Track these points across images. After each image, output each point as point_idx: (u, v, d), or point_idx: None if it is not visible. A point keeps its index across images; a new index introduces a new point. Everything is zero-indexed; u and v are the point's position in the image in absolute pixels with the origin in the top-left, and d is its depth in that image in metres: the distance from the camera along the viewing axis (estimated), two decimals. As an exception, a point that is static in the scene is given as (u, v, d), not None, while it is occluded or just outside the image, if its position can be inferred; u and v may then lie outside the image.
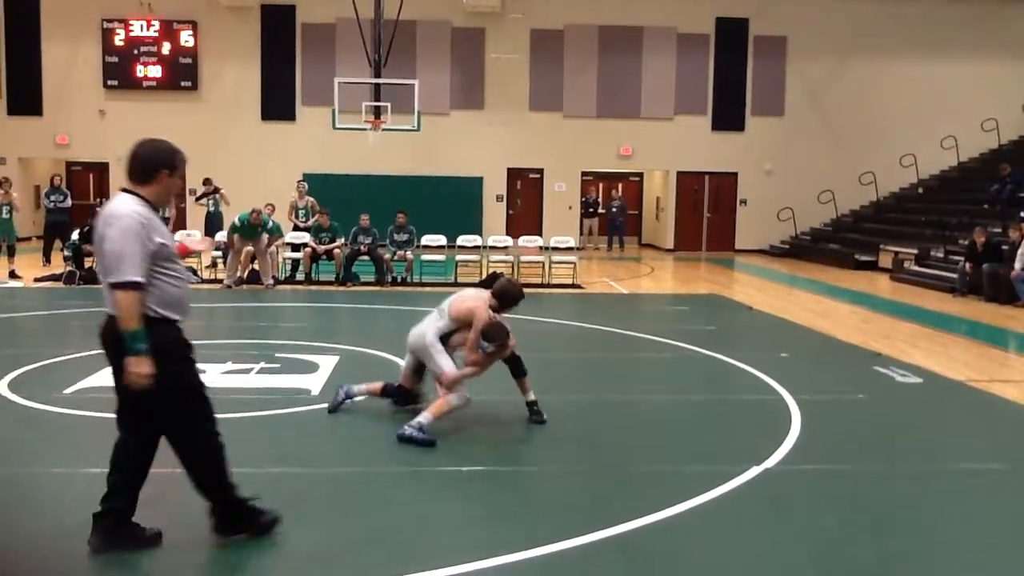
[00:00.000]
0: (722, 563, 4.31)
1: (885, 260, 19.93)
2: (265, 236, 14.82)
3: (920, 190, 24.09)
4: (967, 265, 15.39)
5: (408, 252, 15.75)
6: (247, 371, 8.09)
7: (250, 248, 14.78)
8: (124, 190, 4.00)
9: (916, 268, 18.13)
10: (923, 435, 6.76)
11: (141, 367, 3.85)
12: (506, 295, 6.37)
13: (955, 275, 15.72)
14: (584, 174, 25.76)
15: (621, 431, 6.66)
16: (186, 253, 4.68)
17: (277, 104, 24.17)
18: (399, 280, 15.61)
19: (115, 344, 3.93)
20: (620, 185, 28.51)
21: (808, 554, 4.43)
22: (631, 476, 5.56)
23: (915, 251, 18.81)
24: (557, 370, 8.74)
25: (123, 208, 3.89)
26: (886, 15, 24.40)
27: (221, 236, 15.82)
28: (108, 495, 4.15)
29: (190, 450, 4.15)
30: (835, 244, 22.79)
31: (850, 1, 24.37)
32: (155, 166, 4.00)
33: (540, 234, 21.30)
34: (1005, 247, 15.20)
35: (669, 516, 4.75)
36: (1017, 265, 14.31)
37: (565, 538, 4.39)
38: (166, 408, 4.03)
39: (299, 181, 18.63)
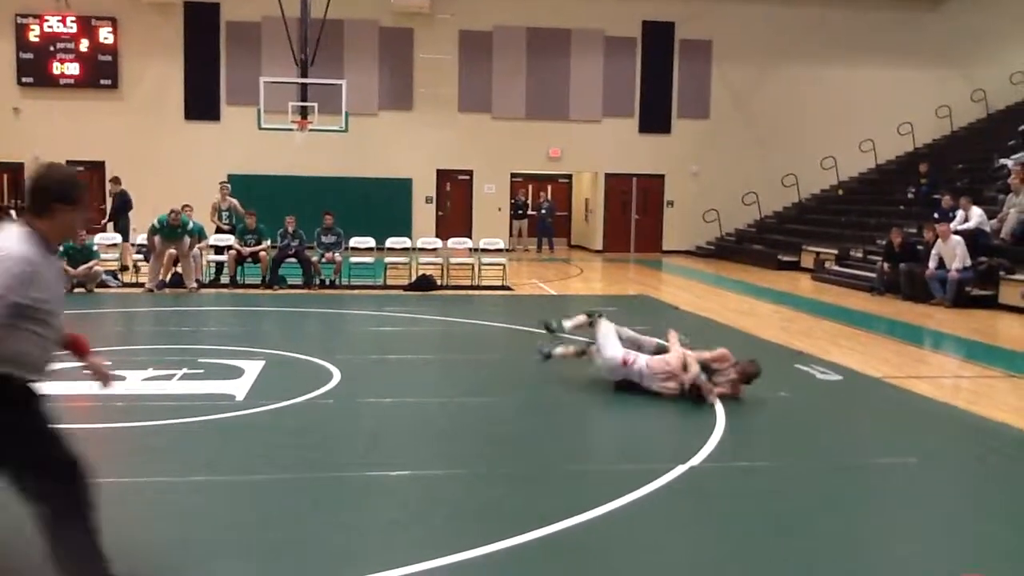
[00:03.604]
0: (650, 560, 4.36)
1: (807, 260, 20.39)
2: (187, 238, 14.52)
3: (840, 192, 24.72)
4: (884, 265, 15.84)
5: (336, 254, 15.58)
6: (169, 377, 7.91)
7: (172, 251, 14.45)
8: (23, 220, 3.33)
9: (837, 268, 18.60)
10: (843, 431, 6.93)
11: None
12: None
13: (874, 275, 16.16)
14: (513, 176, 25.82)
15: (550, 432, 6.69)
16: (80, 349, 3.70)
17: (201, 103, 23.69)
18: (327, 283, 15.43)
19: None
20: (549, 187, 28.66)
21: (733, 549, 4.51)
22: (560, 476, 5.58)
23: (835, 251, 19.29)
24: (485, 372, 8.75)
25: (11, 246, 3.17)
26: (807, 21, 25.01)
27: (142, 238, 15.46)
28: None
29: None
30: (759, 245, 23.25)
31: (773, 7, 24.91)
32: (49, 198, 3.30)
33: (470, 236, 21.25)
34: (920, 247, 15.68)
35: (598, 515, 4.79)
36: (931, 264, 14.78)
37: (494, 540, 4.39)
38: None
39: (222, 182, 18.26)
